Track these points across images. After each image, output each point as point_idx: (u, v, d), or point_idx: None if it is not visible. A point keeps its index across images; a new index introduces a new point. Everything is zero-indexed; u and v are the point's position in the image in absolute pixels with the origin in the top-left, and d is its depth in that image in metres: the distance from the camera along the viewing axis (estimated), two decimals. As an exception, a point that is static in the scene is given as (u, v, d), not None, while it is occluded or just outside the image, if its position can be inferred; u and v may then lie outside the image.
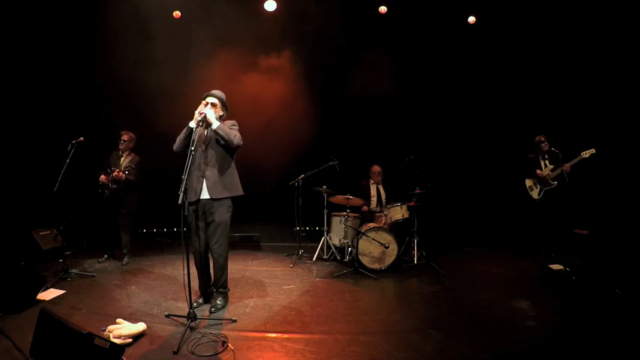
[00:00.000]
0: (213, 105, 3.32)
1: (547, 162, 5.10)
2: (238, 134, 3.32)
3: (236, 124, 3.43)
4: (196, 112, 3.16)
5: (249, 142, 4.11)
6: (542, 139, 5.10)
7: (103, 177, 4.74)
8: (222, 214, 3.28)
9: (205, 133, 3.33)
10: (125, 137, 4.82)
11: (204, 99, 3.35)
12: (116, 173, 4.54)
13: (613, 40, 5.53)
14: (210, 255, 3.40)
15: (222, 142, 3.25)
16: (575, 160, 4.84)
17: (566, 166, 4.83)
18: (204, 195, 3.25)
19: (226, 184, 3.30)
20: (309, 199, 5.50)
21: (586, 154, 4.80)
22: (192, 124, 3.13)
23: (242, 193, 3.44)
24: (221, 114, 3.39)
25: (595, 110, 5.74)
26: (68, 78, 5.89)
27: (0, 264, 3.54)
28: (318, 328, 3.05)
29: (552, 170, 4.99)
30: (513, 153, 5.96)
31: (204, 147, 3.30)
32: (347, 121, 6.58)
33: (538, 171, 5.06)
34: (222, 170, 3.30)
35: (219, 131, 3.19)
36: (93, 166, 4.96)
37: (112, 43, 5.93)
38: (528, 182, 5.20)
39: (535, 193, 5.10)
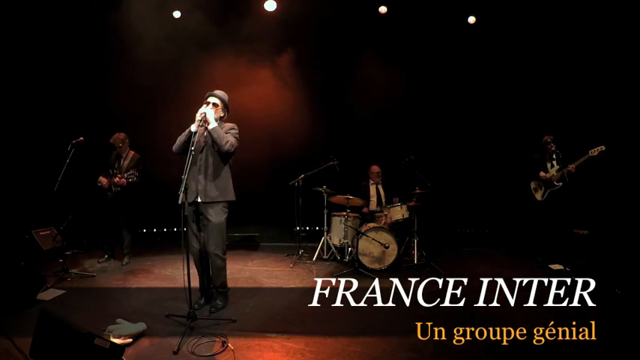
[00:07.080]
0: (215, 105, 3.31)
1: (554, 162, 4.96)
2: (232, 140, 3.24)
3: (236, 127, 3.38)
4: (197, 113, 3.14)
5: (249, 142, 4.10)
6: (549, 139, 4.91)
7: (104, 180, 4.73)
8: (218, 216, 3.26)
9: (205, 134, 3.30)
10: (119, 143, 4.77)
11: (206, 99, 3.34)
12: (117, 179, 4.52)
13: (616, 38, 5.52)
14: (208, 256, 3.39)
15: (215, 145, 3.21)
16: (582, 160, 4.66)
17: (571, 167, 4.69)
18: (200, 197, 3.24)
19: (220, 187, 3.26)
20: (309, 199, 5.49)
21: (594, 152, 4.57)
22: (194, 127, 3.09)
23: (234, 199, 3.38)
24: (222, 115, 3.37)
25: (595, 111, 5.73)
26: (68, 78, 5.89)
27: (0, 264, 3.55)
28: (318, 328, 3.04)
29: (557, 171, 4.86)
30: (513, 153, 5.97)
31: (203, 148, 3.28)
32: (347, 121, 6.58)
33: (541, 173, 4.95)
34: (217, 173, 3.27)
35: (212, 132, 3.14)
36: (93, 166, 4.96)
37: (112, 42, 5.94)
38: (532, 184, 5.12)
39: (539, 195, 5.02)
